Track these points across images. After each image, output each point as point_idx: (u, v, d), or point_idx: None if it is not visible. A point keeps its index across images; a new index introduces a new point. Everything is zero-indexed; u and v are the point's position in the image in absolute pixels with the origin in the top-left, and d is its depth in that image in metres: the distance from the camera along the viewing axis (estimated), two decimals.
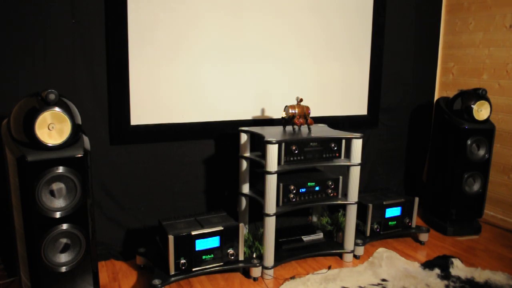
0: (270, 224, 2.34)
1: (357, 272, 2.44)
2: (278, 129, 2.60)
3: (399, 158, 3.57)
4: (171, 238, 2.10)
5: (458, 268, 2.48)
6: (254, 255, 2.39)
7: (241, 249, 2.31)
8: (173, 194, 2.67)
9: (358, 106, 3.25)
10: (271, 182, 2.29)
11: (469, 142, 2.89)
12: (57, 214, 1.79)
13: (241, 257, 2.31)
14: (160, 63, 2.49)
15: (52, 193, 1.79)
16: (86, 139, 1.91)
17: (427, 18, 3.48)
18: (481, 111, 2.90)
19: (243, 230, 2.31)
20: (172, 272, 2.14)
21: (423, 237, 2.86)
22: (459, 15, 3.45)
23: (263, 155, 2.31)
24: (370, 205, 2.69)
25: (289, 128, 2.62)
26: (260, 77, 2.81)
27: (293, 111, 2.48)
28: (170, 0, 2.45)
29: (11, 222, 1.87)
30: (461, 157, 2.91)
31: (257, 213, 2.52)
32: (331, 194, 2.54)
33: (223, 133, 2.74)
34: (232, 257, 2.28)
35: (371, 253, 2.68)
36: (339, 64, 3.10)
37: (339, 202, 2.54)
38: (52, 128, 1.76)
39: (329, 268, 2.49)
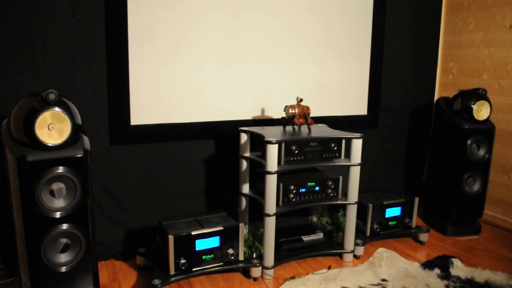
0: (270, 224, 2.34)
1: (357, 272, 2.44)
2: (278, 129, 2.60)
3: (399, 158, 3.57)
4: (171, 238, 2.10)
5: (458, 268, 2.48)
6: (254, 255, 2.39)
7: (241, 249, 2.31)
8: (173, 194, 2.67)
9: (358, 106, 3.25)
10: (271, 182, 2.29)
11: (469, 142, 2.89)
12: (57, 214, 1.79)
13: (241, 257, 2.31)
14: (160, 63, 2.49)
15: (52, 193, 1.79)
16: (86, 139, 1.91)
17: (427, 18, 3.48)
18: (481, 111, 2.90)
19: (243, 230, 2.31)
20: (172, 272, 2.14)
21: (423, 237, 2.86)
22: (459, 15, 3.45)
23: (263, 155, 2.31)
24: (370, 205, 2.69)
25: (289, 128, 2.62)
26: (260, 77, 2.81)
27: (293, 111, 2.48)
28: (170, 0, 2.45)
29: (11, 222, 1.87)
30: (461, 157, 2.91)
31: (257, 213, 2.52)
32: (331, 194, 2.54)
33: (223, 133, 2.74)
34: (232, 257, 2.28)
35: (371, 253, 2.68)
36: (339, 64, 3.10)
37: (339, 202, 2.54)
38: (52, 128, 1.76)
39: (329, 268, 2.49)
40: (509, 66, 3.12)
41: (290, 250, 2.55)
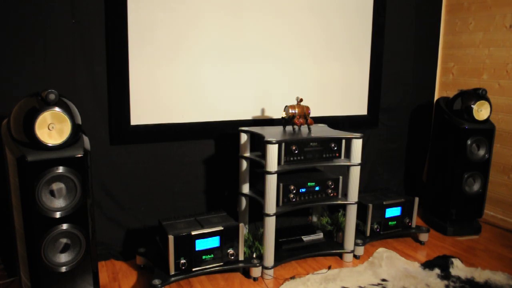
0: (270, 224, 2.34)
1: (357, 272, 2.44)
2: (278, 129, 2.60)
3: (399, 158, 3.57)
4: (171, 238, 2.10)
5: (458, 268, 2.48)
6: (254, 255, 2.39)
7: (241, 249, 2.31)
8: (173, 194, 2.67)
9: (358, 106, 3.25)
10: (271, 182, 2.29)
11: (469, 142, 2.89)
12: (57, 214, 1.79)
13: (241, 257, 2.31)
14: (160, 63, 2.49)
15: (52, 193, 1.79)
16: (86, 139, 1.91)
17: (427, 18, 3.48)
18: (481, 111, 2.90)
19: (243, 230, 2.31)
20: (172, 272, 2.14)
21: (423, 237, 2.86)
22: (459, 15, 3.45)
23: (263, 155, 2.31)
24: (370, 205, 2.69)
25: (289, 128, 2.62)
26: (260, 77, 2.81)
27: (293, 111, 2.48)
28: (170, 0, 2.45)
29: (11, 222, 1.87)
30: (461, 157, 2.91)
31: (257, 213, 2.52)
32: (331, 194, 2.54)
33: (223, 133, 2.74)
34: (232, 257, 2.28)
35: (371, 253, 2.68)
36: (339, 64, 3.10)
37: (339, 202, 2.54)
38: (52, 128, 1.76)
39: (329, 268, 2.49)
40: (509, 66, 3.12)
41: (290, 250, 2.55)
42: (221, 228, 2.24)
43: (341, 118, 3.15)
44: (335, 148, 2.49)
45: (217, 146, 2.76)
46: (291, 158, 2.38)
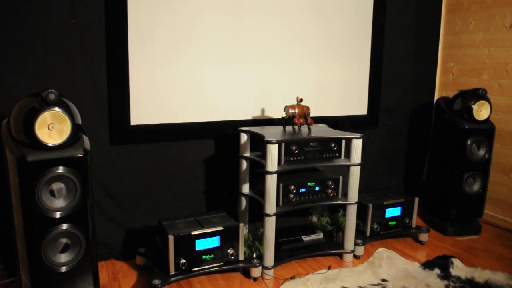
0: (270, 224, 2.34)
1: (357, 272, 2.44)
2: (278, 129, 2.60)
3: (399, 158, 3.57)
4: (171, 238, 2.10)
5: (458, 268, 2.48)
6: (254, 255, 2.39)
7: (241, 249, 2.31)
8: (173, 194, 2.67)
9: (358, 106, 3.25)
10: (271, 182, 2.29)
11: (469, 142, 2.89)
12: (57, 214, 1.79)
13: (241, 257, 2.31)
14: (160, 63, 2.49)
15: (52, 193, 1.79)
16: (86, 139, 1.91)
17: (427, 18, 3.48)
18: (481, 111, 2.90)
19: (243, 230, 2.31)
20: (172, 272, 2.14)
21: (423, 237, 2.86)
22: (459, 15, 3.45)
23: (263, 155, 2.31)
24: (370, 205, 2.69)
25: (289, 128, 2.62)
26: (260, 77, 2.81)
27: (293, 111, 2.48)
28: (170, 0, 2.45)
29: (11, 222, 1.87)
30: (461, 157, 2.91)
31: (257, 213, 2.52)
32: (331, 194, 2.54)
33: (223, 133, 2.74)
34: (232, 257, 2.28)
35: (371, 253, 2.68)
36: (339, 64, 3.10)
37: (339, 202, 2.54)
38: (52, 128, 1.76)
39: (329, 268, 2.49)
40: (509, 66, 3.12)
41: (290, 250, 2.55)
42: (221, 228, 2.24)
43: (341, 118, 3.15)
44: (335, 148, 2.49)
45: (217, 146, 2.76)
46: (291, 158, 2.38)
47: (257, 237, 2.47)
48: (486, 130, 2.93)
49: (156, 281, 2.07)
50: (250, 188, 2.62)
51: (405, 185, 3.62)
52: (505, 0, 3.10)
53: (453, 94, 3.10)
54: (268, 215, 2.32)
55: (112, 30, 2.34)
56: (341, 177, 2.57)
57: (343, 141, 2.53)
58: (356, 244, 2.62)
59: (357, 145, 2.49)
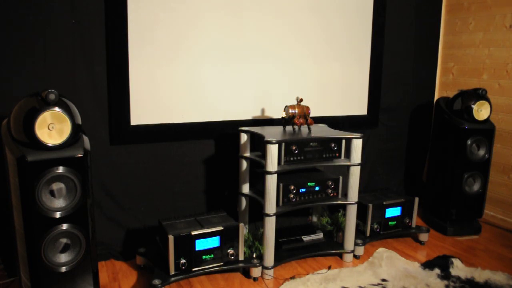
0: (270, 224, 2.34)
1: (357, 272, 2.44)
2: (278, 129, 2.60)
3: (399, 158, 3.57)
4: (171, 238, 2.10)
5: (458, 268, 2.48)
6: (254, 255, 2.39)
7: (241, 249, 2.31)
8: (173, 194, 2.67)
9: (358, 106, 3.25)
10: (271, 182, 2.29)
11: (469, 142, 2.89)
12: (57, 214, 1.79)
13: (241, 257, 2.31)
14: (160, 63, 2.49)
15: (52, 193, 1.79)
16: (86, 139, 1.91)
17: (427, 18, 3.48)
18: (481, 111, 2.90)
19: (243, 230, 2.31)
20: (172, 272, 2.14)
21: (423, 237, 2.86)
22: (459, 15, 3.45)
23: (263, 155, 2.31)
24: (370, 205, 2.69)
25: (289, 128, 2.62)
26: (260, 77, 2.81)
27: (293, 111, 2.48)
28: (170, 0, 2.45)
29: (11, 222, 1.87)
30: (461, 157, 2.91)
31: (257, 213, 2.52)
32: (331, 194, 2.54)
33: (223, 133, 2.74)
34: (232, 257, 2.28)
35: (371, 253, 2.68)
36: (339, 64, 3.10)
37: (339, 202, 2.54)
38: (52, 128, 1.76)
39: (329, 268, 2.49)
40: (509, 66, 3.12)
41: (290, 250, 2.55)
42: (221, 228, 2.24)
43: (341, 118, 3.15)
44: (335, 148, 2.49)
45: (217, 146, 2.76)
46: (291, 158, 2.38)
47: (257, 237, 2.47)
48: (486, 130, 2.93)
49: (156, 281, 2.07)
50: (250, 188, 2.62)
51: (405, 185, 3.62)
52: (505, 0, 3.10)
53: (453, 94, 3.10)
54: (268, 215, 2.32)
55: (112, 30, 2.34)
56: (341, 177, 2.57)
57: (343, 141, 2.53)
58: (356, 244, 2.62)
59: (357, 145, 2.49)
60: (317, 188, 2.49)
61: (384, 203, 2.75)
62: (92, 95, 2.37)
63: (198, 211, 2.70)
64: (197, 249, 2.18)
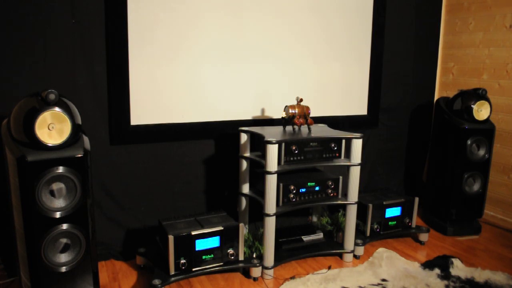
0: (270, 224, 2.34)
1: (357, 272, 2.44)
2: (278, 129, 2.60)
3: (399, 158, 3.57)
4: (171, 238, 2.10)
5: (458, 268, 2.48)
6: (254, 255, 2.39)
7: (241, 249, 2.31)
8: (173, 194, 2.67)
9: (358, 106, 3.25)
10: (271, 182, 2.29)
11: (469, 142, 2.89)
12: (57, 214, 1.79)
13: (241, 257, 2.31)
14: (160, 63, 2.49)
15: (52, 193, 1.79)
16: (86, 139, 1.91)
17: (427, 18, 3.48)
18: (481, 111, 2.90)
19: (243, 230, 2.31)
20: (172, 272, 2.14)
21: (423, 237, 2.86)
22: (459, 15, 3.45)
23: (263, 155, 2.31)
24: (370, 205, 2.69)
25: (289, 128, 2.62)
26: (260, 77, 2.81)
27: (293, 111, 2.48)
28: (170, 0, 2.45)
29: (11, 222, 1.87)
30: (461, 157, 2.91)
31: (257, 213, 2.52)
32: (331, 194, 2.54)
33: (223, 133, 2.74)
34: (232, 257, 2.28)
35: (371, 253, 2.68)
36: (339, 64, 3.10)
37: (339, 202, 2.54)
38: (52, 128, 1.76)
39: (329, 268, 2.49)
40: (509, 66, 3.12)
41: (290, 250, 2.55)
42: (221, 228, 2.24)
43: (341, 118, 3.15)
44: (335, 148, 2.49)
45: (217, 146, 2.76)
46: (291, 158, 2.38)
47: (257, 237, 2.47)
48: (486, 130, 2.93)
49: (156, 281, 2.07)
50: (250, 188, 2.62)
51: (405, 185, 3.62)
52: (505, 0, 3.10)
53: (453, 94, 3.10)
54: (268, 215, 2.32)
55: (112, 30, 2.34)
56: (341, 177, 2.57)
57: (343, 141, 2.53)
58: (356, 244, 2.62)
59: (357, 145, 2.49)
60: (317, 188, 2.49)
61: (384, 203, 2.75)
62: (92, 95, 2.37)
63: (198, 211, 2.70)
64: (197, 249, 2.18)
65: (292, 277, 2.36)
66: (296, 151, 2.38)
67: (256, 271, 2.33)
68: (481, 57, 3.30)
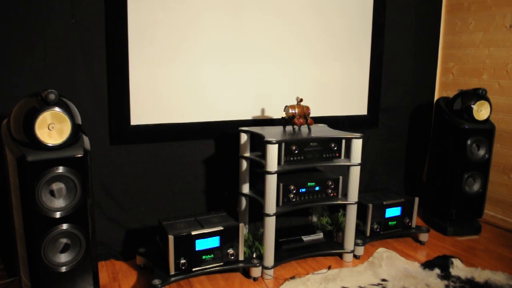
0: (270, 224, 2.34)
1: (357, 272, 2.44)
2: (278, 129, 2.60)
3: (399, 158, 3.57)
4: (171, 238, 2.10)
5: (458, 268, 2.48)
6: (254, 255, 2.39)
7: (241, 249, 2.31)
8: (173, 194, 2.67)
9: (358, 106, 3.25)
10: (271, 182, 2.29)
11: (469, 142, 2.89)
12: (57, 214, 1.79)
13: (241, 257, 2.31)
14: (160, 63, 2.49)
15: (52, 193, 1.79)
16: (86, 139, 1.91)
17: (427, 18, 3.48)
18: (481, 111, 2.90)
19: (243, 230, 2.31)
20: (172, 272, 2.14)
21: (423, 237, 2.86)
22: (459, 15, 3.45)
23: (263, 155, 2.31)
24: (370, 205, 2.69)
25: (289, 128, 2.62)
26: (260, 77, 2.81)
27: (293, 111, 2.48)
28: (170, 0, 2.45)
29: (11, 222, 1.87)
30: (461, 157, 2.91)
31: (257, 213, 2.52)
32: (331, 194, 2.54)
33: (223, 133, 2.74)
34: (232, 257, 2.28)
35: (371, 253, 2.68)
36: (339, 64, 3.10)
37: (339, 202, 2.54)
38: (52, 128, 1.76)
39: (329, 268, 2.49)
40: (509, 66, 3.12)
41: (290, 250, 2.55)
42: (221, 228, 2.24)
43: (341, 118, 3.15)
44: (335, 148, 2.49)
45: (217, 146, 2.76)
46: (291, 158, 2.38)
47: (257, 237, 2.47)
48: (486, 130, 2.93)
49: (156, 281, 2.07)
50: (250, 188, 2.62)
51: (405, 185, 3.62)
52: (505, 0, 3.11)
53: (453, 94, 3.10)
54: (268, 215, 2.32)
55: (112, 30, 2.34)
56: (341, 177, 2.57)
57: (343, 141, 2.53)
58: (356, 244, 2.62)
59: (357, 145, 2.49)
60: (317, 188, 2.49)
61: (384, 203, 2.75)
62: (92, 95, 2.37)
63: (198, 211, 2.70)
64: (197, 249, 2.18)
65: (292, 277, 2.36)
66: (296, 151, 2.38)
67: (256, 271, 2.33)
68: (481, 57, 3.30)
